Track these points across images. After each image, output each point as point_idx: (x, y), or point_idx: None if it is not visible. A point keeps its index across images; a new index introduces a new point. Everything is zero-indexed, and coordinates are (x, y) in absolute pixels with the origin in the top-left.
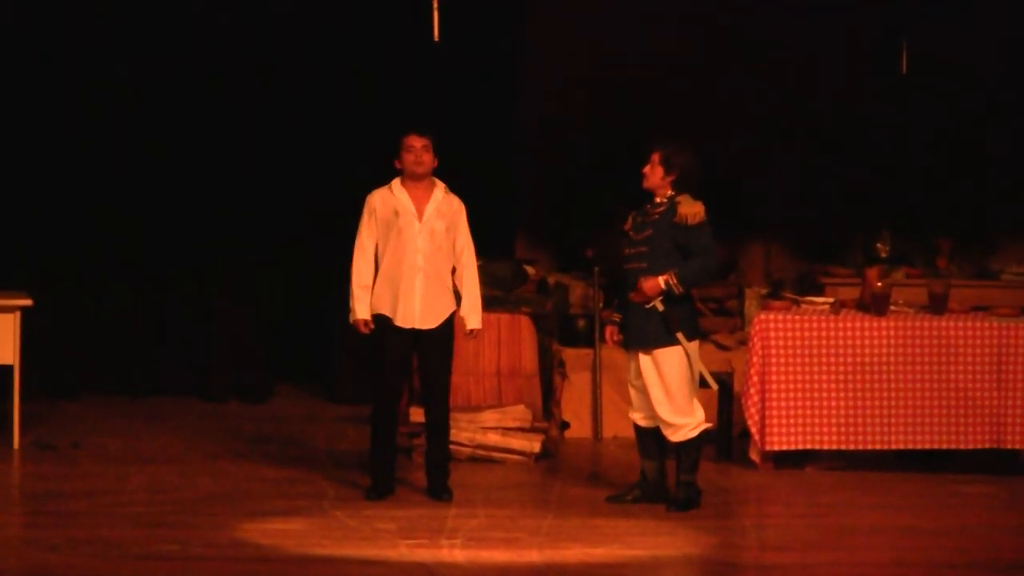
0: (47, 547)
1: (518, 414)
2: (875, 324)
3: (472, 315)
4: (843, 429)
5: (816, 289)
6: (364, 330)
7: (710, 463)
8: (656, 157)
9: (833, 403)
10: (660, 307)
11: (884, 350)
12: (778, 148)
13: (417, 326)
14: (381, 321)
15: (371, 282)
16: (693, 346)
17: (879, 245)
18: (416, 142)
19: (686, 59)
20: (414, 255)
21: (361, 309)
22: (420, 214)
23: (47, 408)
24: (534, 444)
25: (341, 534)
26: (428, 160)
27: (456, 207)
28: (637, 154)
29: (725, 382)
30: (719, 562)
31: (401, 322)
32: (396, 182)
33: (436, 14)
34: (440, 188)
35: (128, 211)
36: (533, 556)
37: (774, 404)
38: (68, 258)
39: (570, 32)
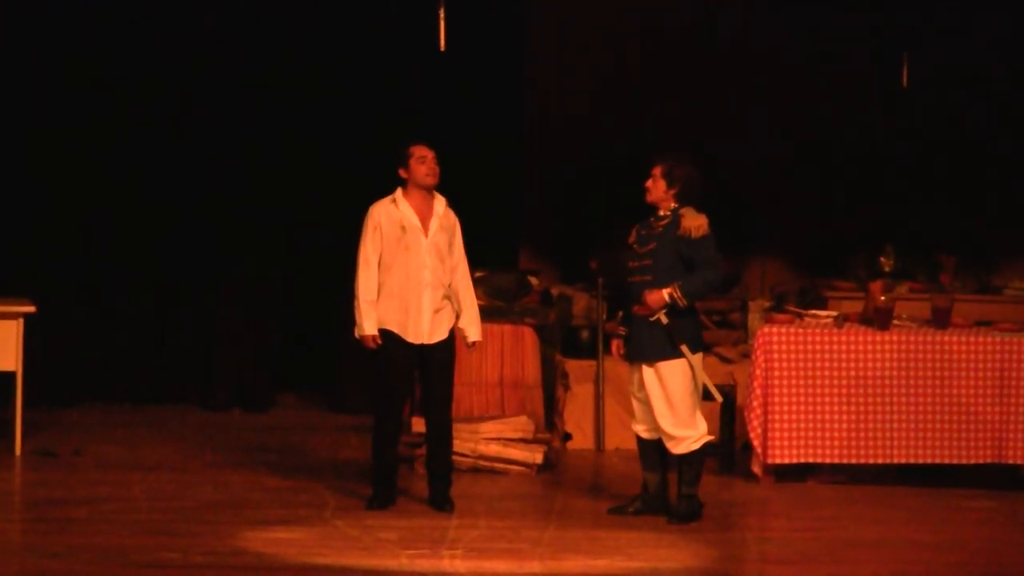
0: (48, 554)
1: (520, 425)
2: (878, 338)
3: (472, 327)
4: (845, 443)
5: (819, 303)
6: (372, 345)
7: (712, 476)
8: (658, 171)
9: (835, 417)
10: (664, 320)
11: (887, 364)
12: (781, 162)
13: (426, 341)
14: (386, 336)
15: (376, 296)
16: (697, 359)
17: (883, 260)
18: (428, 152)
19: (689, 72)
20: (421, 271)
21: (369, 325)
22: (425, 230)
23: (49, 415)
24: (536, 455)
25: (342, 544)
26: (437, 171)
27: (453, 221)
28: (640, 166)
29: (728, 395)
30: (720, 575)
31: (412, 338)
32: (399, 195)
33: (442, 25)
34: (441, 202)
35: (132, 220)
36: (534, 567)
37: (776, 417)
38: (72, 266)
39: (574, 45)
